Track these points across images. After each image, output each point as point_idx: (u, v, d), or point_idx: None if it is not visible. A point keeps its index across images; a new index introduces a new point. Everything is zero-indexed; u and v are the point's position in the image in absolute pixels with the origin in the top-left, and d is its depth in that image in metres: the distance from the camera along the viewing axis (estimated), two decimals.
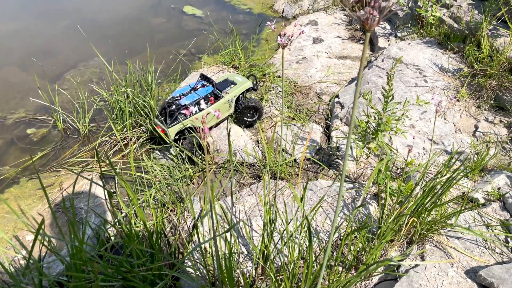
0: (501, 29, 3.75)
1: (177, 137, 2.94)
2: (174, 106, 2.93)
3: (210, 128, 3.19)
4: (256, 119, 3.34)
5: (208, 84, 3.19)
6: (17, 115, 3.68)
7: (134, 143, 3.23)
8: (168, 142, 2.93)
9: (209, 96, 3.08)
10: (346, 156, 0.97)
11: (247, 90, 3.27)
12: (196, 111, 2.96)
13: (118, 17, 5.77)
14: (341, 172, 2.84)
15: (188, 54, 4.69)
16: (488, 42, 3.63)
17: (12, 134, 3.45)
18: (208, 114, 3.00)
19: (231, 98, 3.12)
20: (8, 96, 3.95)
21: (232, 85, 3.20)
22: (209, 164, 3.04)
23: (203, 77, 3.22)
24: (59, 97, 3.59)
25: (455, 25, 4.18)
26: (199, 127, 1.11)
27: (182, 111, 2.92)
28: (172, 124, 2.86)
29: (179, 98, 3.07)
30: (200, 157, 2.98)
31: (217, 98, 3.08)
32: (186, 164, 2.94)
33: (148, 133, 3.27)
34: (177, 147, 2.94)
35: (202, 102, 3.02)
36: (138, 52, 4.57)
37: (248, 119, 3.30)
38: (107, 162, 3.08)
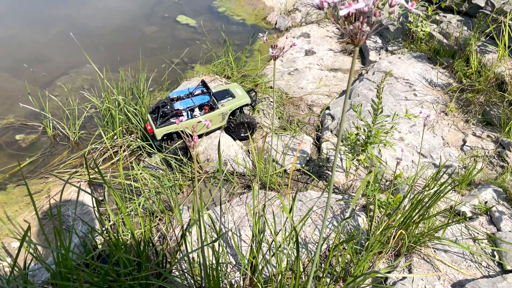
0: (489, 45, 3.83)
1: (164, 137, 2.95)
2: (167, 108, 2.93)
3: (200, 136, 3.19)
4: (250, 134, 3.32)
5: (206, 92, 3.17)
6: (6, 120, 3.64)
7: (124, 151, 3.21)
8: (152, 141, 2.96)
9: (204, 104, 3.06)
10: (334, 167, 0.98)
11: (245, 106, 3.24)
12: (188, 118, 2.97)
13: (111, 25, 5.77)
14: (329, 183, 2.86)
15: (180, 63, 4.70)
16: (477, 58, 3.70)
17: (0, 139, 3.42)
18: (198, 122, 3.00)
19: (226, 111, 3.09)
20: None
21: (230, 98, 3.15)
22: (198, 173, 3.04)
23: (204, 84, 3.21)
24: (49, 104, 3.56)
25: (445, 41, 4.25)
26: (189, 135, 1.10)
27: (173, 115, 2.93)
28: (160, 126, 2.87)
29: (175, 100, 3.06)
30: (185, 163, 2.98)
31: (212, 108, 3.05)
32: (176, 173, 2.93)
33: (138, 141, 3.25)
34: (159, 150, 2.95)
35: (196, 109, 3.01)
36: (131, 60, 4.57)
37: (242, 134, 3.31)
38: (96, 170, 3.05)
